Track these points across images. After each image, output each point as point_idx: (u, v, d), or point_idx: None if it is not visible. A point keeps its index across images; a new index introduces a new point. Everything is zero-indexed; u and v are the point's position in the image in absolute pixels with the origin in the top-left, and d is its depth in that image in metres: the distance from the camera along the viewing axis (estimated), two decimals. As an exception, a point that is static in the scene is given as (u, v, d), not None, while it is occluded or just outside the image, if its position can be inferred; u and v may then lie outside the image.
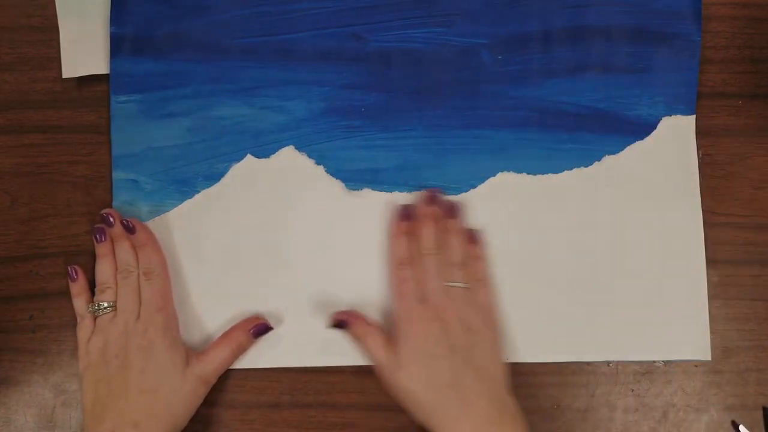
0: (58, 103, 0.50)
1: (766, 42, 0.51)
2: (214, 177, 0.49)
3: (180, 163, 0.49)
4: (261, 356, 0.48)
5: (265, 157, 0.49)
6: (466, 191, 0.49)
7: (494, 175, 0.49)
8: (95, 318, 0.45)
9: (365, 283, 0.48)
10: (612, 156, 0.49)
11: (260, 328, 0.46)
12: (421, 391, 0.42)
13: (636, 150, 0.49)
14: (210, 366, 0.45)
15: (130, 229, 0.46)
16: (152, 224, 0.49)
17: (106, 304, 0.45)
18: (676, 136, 0.49)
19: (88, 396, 0.44)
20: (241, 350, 0.46)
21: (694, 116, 0.49)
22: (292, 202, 0.49)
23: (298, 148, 0.49)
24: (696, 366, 0.48)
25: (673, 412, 0.48)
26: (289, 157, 0.49)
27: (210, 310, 0.48)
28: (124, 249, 0.46)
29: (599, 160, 0.49)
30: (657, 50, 0.50)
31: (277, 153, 0.49)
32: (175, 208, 0.49)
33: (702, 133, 0.50)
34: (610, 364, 0.48)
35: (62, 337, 0.49)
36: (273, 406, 0.48)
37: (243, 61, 0.50)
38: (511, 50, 0.50)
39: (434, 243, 0.46)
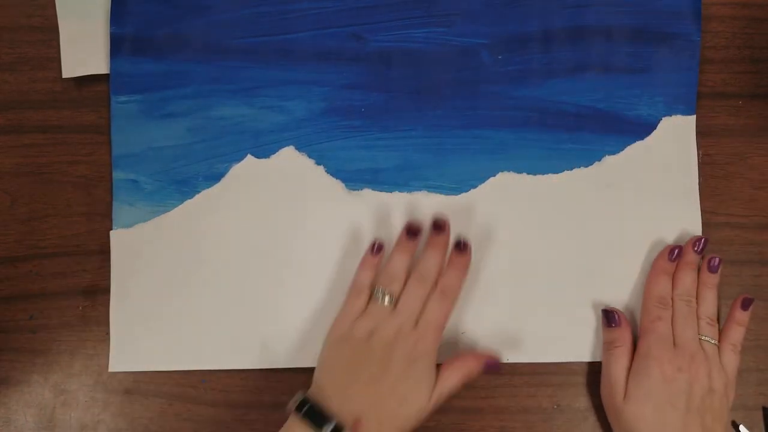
0: (58, 103, 0.50)
1: (766, 42, 0.51)
2: (214, 177, 0.49)
3: (180, 163, 0.49)
4: (261, 357, 0.48)
5: (265, 158, 0.49)
6: (466, 191, 0.49)
7: (494, 175, 0.49)
8: (370, 301, 0.45)
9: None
10: (612, 156, 0.49)
11: (491, 365, 0.45)
12: None
13: (636, 150, 0.49)
14: (446, 389, 0.44)
15: (461, 248, 0.45)
16: (152, 224, 0.49)
17: (390, 297, 0.44)
18: (676, 136, 0.49)
19: (333, 365, 0.44)
20: (470, 379, 0.45)
21: (694, 116, 0.49)
22: (292, 203, 0.49)
23: (298, 148, 0.49)
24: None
25: (673, 412, 0.48)
26: (289, 157, 0.49)
27: (210, 310, 0.48)
28: (433, 258, 0.45)
29: (599, 160, 0.49)
30: (657, 50, 0.50)
31: (277, 153, 0.49)
32: (175, 208, 0.49)
33: (702, 133, 0.50)
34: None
35: (62, 337, 0.49)
36: (273, 406, 0.48)
37: (243, 61, 0.50)
38: (511, 50, 0.50)
39: (692, 292, 0.46)
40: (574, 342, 0.48)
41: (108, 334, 0.48)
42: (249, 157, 0.49)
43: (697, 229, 0.49)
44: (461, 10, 0.50)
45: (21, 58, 0.51)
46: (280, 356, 0.48)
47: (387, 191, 0.49)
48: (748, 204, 0.50)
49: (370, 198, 0.49)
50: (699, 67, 0.50)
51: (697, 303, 0.46)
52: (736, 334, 0.46)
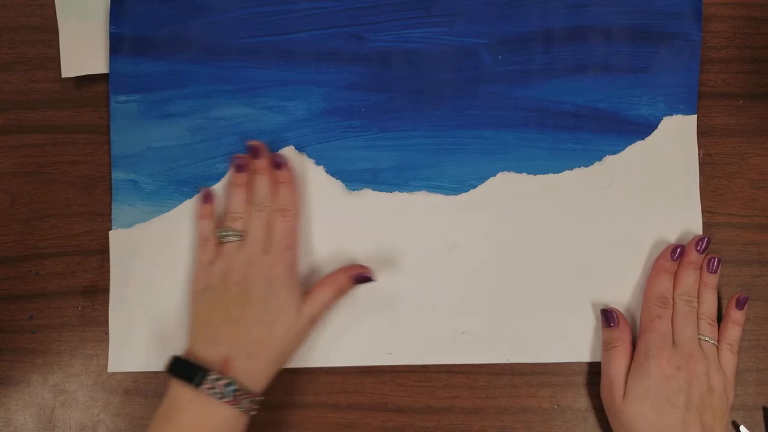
0: (58, 103, 0.50)
1: (766, 42, 0.51)
2: (214, 177, 0.49)
3: (180, 163, 0.49)
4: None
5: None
6: (466, 191, 0.49)
7: (494, 175, 0.49)
8: (220, 244, 0.46)
9: (365, 283, 0.48)
10: (612, 156, 0.49)
11: (360, 276, 0.46)
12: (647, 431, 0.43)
13: (636, 150, 0.49)
14: (317, 305, 0.45)
15: (278, 165, 0.47)
16: (152, 224, 0.49)
17: (236, 232, 0.45)
18: (676, 136, 0.49)
19: (199, 316, 0.44)
20: (342, 293, 0.46)
21: (695, 116, 0.49)
22: (292, 202, 0.49)
23: (298, 148, 0.49)
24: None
25: (673, 412, 0.48)
26: (289, 157, 0.49)
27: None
28: (264, 183, 0.46)
29: (599, 160, 0.49)
30: (657, 50, 0.50)
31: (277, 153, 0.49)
32: (175, 208, 0.49)
33: (702, 133, 0.50)
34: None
35: (62, 337, 0.49)
36: (273, 406, 0.48)
37: (243, 62, 0.50)
38: (511, 50, 0.50)
39: (694, 291, 0.46)
40: (574, 342, 0.48)
41: (108, 334, 0.48)
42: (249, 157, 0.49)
43: (697, 229, 0.49)
44: (461, 10, 0.50)
45: (21, 58, 0.51)
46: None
47: (387, 191, 0.49)
48: (748, 204, 0.50)
49: (370, 198, 0.49)
50: (699, 67, 0.50)
51: (697, 303, 0.46)
52: (733, 333, 0.46)
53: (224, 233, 0.45)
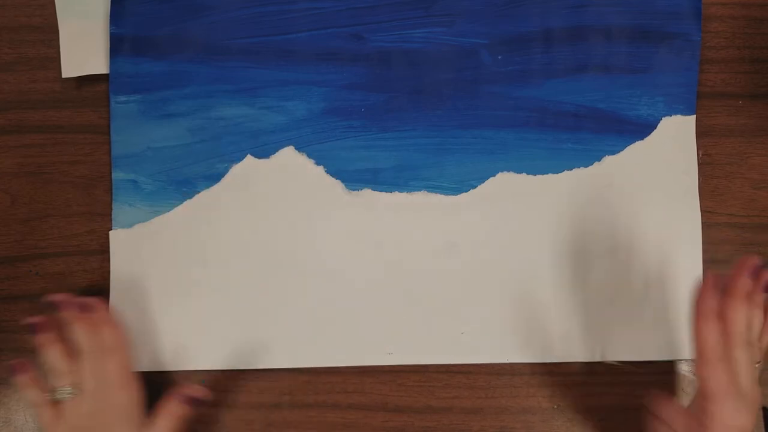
0: (58, 103, 0.50)
1: (766, 42, 0.51)
2: (214, 177, 0.49)
3: (180, 164, 0.49)
4: (261, 357, 0.48)
5: (265, 158, 0.49)
6: (466, 191, 0.49)
7: (494, 175, 0.49)
8: (56, 403, 0.43)
9: (365, 283, 0.48)
10: (612, 156, 0.49)
11: (190, 398, 0.44)
12: None
13: (636, 150, 0.49)
14: None
15: (89, 309, 0.44)
16: (152, 224, 0.49)
17: (69, 389, 0.43)
18: (676, 136, 0.49)
19: None
20: (181, 419, 0.44)
21: (695, 116, 0.49)
22: (292, 203, 0.49)
23: (298, 148, 0.49)
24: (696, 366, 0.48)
25: (673, 412, 0.48)
26: (289, 157, 0.49)
27: (210, 311, 0.48)
28: (80, 330, 0.44)
29: (599, 160, 0.49)
30: (657, 50, 0.50)
31: (277, 153, 0.49)
32: (175, 209, 0.49)
33: (702, 133, 0.50)
34: (610, 364, 0.48)
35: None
36: (273, 406, 0.48)
37: (243, 62, 0.50)
38: (511, 50, 0.50)
39: (745, 327, 0.40)
40: (575, 342, 0.48)
41: (108, 334, 0.48)
42: (249, 158, 0.49)
43: (697, 229, 0.49)
44: (461, 10, 0.50)
45: (21, 58, 0.51)
46: (280, 356, 0.48)
47: (387, 191, 0.49)
48: (748, 204, 0.50)
49: (370, 198, 0.49)
50: (699, 67, 0.50)
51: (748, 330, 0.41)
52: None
53: (58, 392, 0.43)
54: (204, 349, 0.48)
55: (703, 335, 0.38)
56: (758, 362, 0.42)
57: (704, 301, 0.39)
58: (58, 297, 0.45)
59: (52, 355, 0.44)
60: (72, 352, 0.44)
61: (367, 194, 0.49)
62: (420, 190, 0.49)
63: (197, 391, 0.44)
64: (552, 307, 0.48)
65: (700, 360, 0.39)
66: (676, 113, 0.50)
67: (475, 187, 0.49)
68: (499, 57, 0.50)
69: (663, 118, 0.49)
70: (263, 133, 0.49)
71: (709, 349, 0.38)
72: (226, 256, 0.49)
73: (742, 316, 0.39)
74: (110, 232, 0.49)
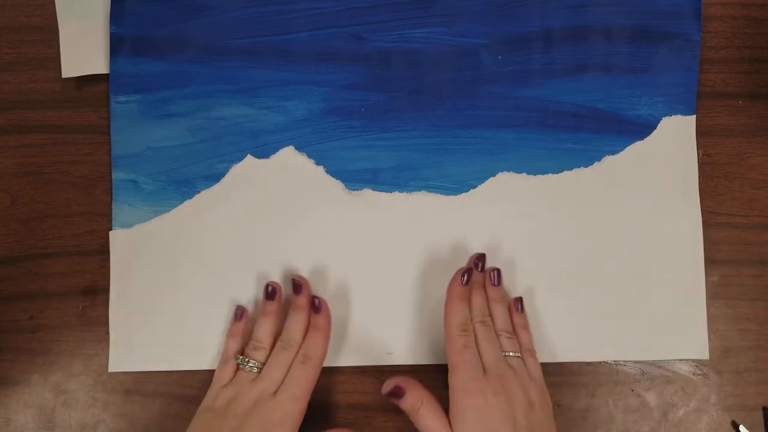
0: (58, 103, 0.50)
1: (766, 42, 0.51)
2: (214, 177, 0.49)
3: (180, 164, 0.49)
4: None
5: (265, 158, 0.49)
6: (466, 191, 0.49)
7: (494, 175, 0.49)
8: (238, 368, 0.45)
9: (365, 283, 0.48)
10: (612, 156, 0.49)
11: None
12: None
13: (636, 150, 0.49)
14: None
15: (316, 308, 0.46)
16: (152, 224, 0.49)
17: (255, 363, 0.44)
18: (676, 136, 0.49)
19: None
20: None
21: (694, 116, 0.49)
22: (292, 203, 0.49)
23: (298, 148, 0.49)
24: (696, 366, 0.48)
25: (673, 412, 0.48)
26: (289, 157, 0.49)
27: (210, 311, 0.48)
28: (297, 323, 0.45)
29: (599, 160, 0.49)
30: (657, 50, 0.50)
31: (277, 153, 0.49)
32: (175, 209, 0.49)
33: (702, 133, 0.50)
34: (610, 364, 0.48)
35: (62, 337, 0.49)
36: (273, 406, 0.48)
37: (243, 62, 0.50)
38: (511, 50, 0.50)
39: (485, 311, 0.45)
40: (573, 341, 0.48)
41: (108, 334, 0.48)
42: (249, 157, 0.49)
43: (697, 229, 0.49)
44: (461, 10, 0.50)
45: (21, 58, 0.51)
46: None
47: (387, 191, 0.49)
48: (748, 204, 0.50)
49: (370, 198, 0.49)
50: (699, 67, 0.50)
51: (492, 320, 0.45)
52: (525, 338, 0.46)
53: (244, 362, 0.44)
54: (204, 349, 0.48)
55: (452, 313, 0.44)
56: (511, 352, 0.44)
57: (453, 288, 0.45)
58: (299, 279, 0.47)
59: (263, 324, 0.45)
60: (278, 334, 0.45)
61: (367, 194, 0.49)
62: (420, 190, 0.49)
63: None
64: (551, 307, 0.48)
65: (449, 336, 0.43)
66: (676, 113, 0.50)
67: (475, 187, 0.49)
68: (499, 57, 0.50)
69: (663, 118, 0.49)
70: (263, 133, 0.49)
71: (459, 324, 0.43)
72: (226, 256, 0.49)
73: (480, 300, 0.45)
74: (110, 232, 0.49)
